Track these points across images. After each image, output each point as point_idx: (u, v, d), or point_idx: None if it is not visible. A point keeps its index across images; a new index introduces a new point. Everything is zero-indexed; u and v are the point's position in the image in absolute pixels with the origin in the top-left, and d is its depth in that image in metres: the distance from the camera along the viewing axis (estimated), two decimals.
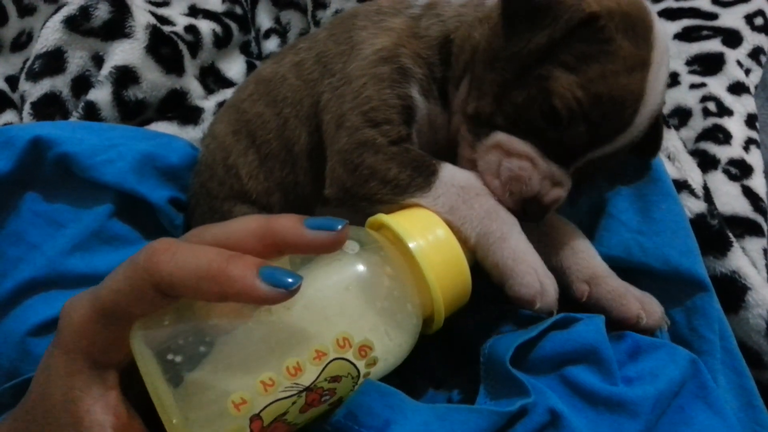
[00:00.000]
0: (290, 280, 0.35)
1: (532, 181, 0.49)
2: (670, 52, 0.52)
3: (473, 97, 0.52)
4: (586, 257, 0.56)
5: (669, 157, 0.75)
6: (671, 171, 0.70)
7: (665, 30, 0.51)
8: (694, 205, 0.67)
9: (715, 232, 0.66)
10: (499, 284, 0.48)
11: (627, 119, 0.49)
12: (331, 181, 0.53)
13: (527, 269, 0.47)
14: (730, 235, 0.67)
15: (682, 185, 0.68)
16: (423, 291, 0.43)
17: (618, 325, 0.53)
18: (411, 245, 0.43)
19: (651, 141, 0.57)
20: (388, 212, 0.48)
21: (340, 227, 0.38)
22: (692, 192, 0.68)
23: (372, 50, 0.55)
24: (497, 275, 0.47)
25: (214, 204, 0.64)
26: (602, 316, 0.52)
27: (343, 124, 0.53)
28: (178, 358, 0.35)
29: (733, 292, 0.63)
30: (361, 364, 0.39)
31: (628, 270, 0.57)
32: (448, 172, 0.50)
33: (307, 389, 0.37)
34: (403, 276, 0.43)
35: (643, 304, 0.53)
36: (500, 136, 0.50)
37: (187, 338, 0.36)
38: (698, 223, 0.65)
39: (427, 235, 0.45)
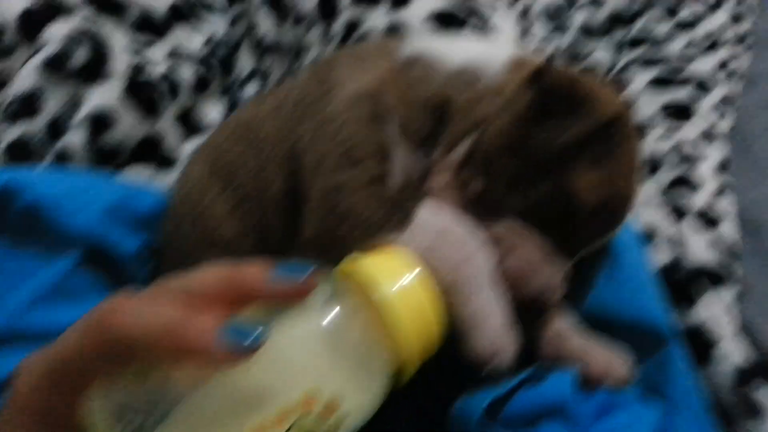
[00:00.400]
0: (251, 338, 0.34)
1: (534, 282, 0.49)
2: None
3: (478, 176, 0.52)
4: (550, 314, 0.56)
5: (637, 207, 0.76)
6: (638, 220, 0.71)
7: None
8: (661, 255, 0.68)
9: (682, 283, 0.67)
10: (458, 336, 0.47)
11: (626, 215, 0.51)
12: (308, 223, 0.53)
13: (487, 331, 0.46)
14: (697, 285, 0.68)
15: (649, 235, 0.69)
16: (393, 342, 0.41)
17: (585, 381, 0.53)
18: (380, 294, 0.42)
19: None
20: (363, 254, 0.47)
21: (307, 274, 0.37)
22: (659, 242, 0.69)
23: (352, 90, 0.55)
24: (458, 328, 0.47)
25: (183, 249, 0.63)
26: (573, 370, 0.52)
27: (321, 165, 0.53)
28: (135, 423, 0.34)
29: (700, 344, 0.65)
30: (327, 422, 0.38)
31: (597, 323, 0.58)
32: (426, 213, 0.50)
33: None
34: (372, 327, 0.41)
35: (608, 360, 0.54)
36: (512, 228, 0.50)
37: (144, 402, 0.35)
38: (665, 273, 0.67)
39: (399, 281, 0.43)
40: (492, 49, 0.59)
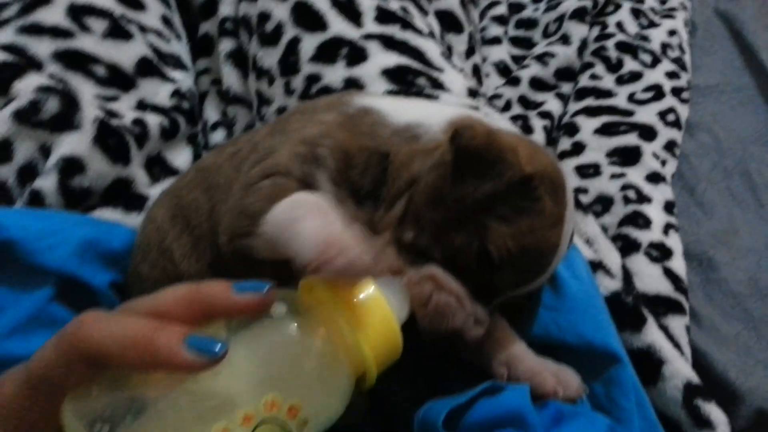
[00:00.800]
0: (216, 347, 0.36)
1: (456, 318, 0.52)
2: (573, 206, 0.58)
3: (410, 227, 0.55)
4: (504, 342, 0.60)
5: (588, 241, 0.81)
6: (588, 253, 0.75)
7: (571, 187, 0.58)
8: (610, 284, 0.72)
9: (630, 309, 0.71)
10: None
11: (545, 265, 0.55)
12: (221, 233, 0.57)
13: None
14: (645, 311, 0.71)
15: (597, 266, 0.73)
16: (353, 351, 0.44)
17: (539, 398, 0.56)
18: (336, 305, 0.44)
19: None
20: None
21: (266, 289, 0.39)
22: (608, 272, 0.73)
23: (299, 136, 0.59)
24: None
25: (144, 287, 0.65)
26: (527, 384, 0.55)
27: (242, 180, 0.57)
28: (106, 429, 0.35)
29: (649, 365, 0.68)
30: (291, 426, 0.40)
31: (548, 346, 0.61)
32: (292, 197, 0.52)
33: None
34: (334, 336, 0.43)
35: (559, 378, 0.58)
36: (435, 271, 0.53)
37: (115, 409, 0.36)
38: (613, 301, 0.70)
39: (356, 293, 0.46)
40: (436, 110, 0.64)
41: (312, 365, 0.42)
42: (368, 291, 0.46)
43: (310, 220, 0.47)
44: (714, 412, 0.66)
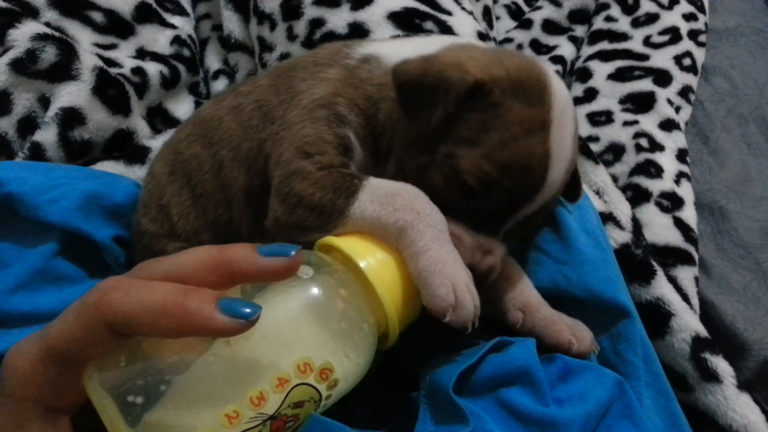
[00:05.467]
0: (248, 310, 0.35)
1: (480, 261, 0.51)
2: (572, 110, 0.54)
3: (400, 176, 0.54)
4: (520, 287, 0.59)
5: (598, 192, 0.79)
6: (598, 205, 0.74)
7: (564, 90, 0.53)
8: (619, 236, 0.70)
9: (640, 262, 0.70)
10: (420, 289, 0.47)
11: (539, 180, 0.51)
12: (270, 210, 0.54)
13: (442, 281, 0.46)
14: (654, 263, 0.70)
15: (607, 217, 0.72)
16: (377, 309, 0.44)
17: (551, 351, 0.56)
18: (362, 264, 0.45)
19: (571, 188, 0.60)
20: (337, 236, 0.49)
21: (293, 252, 0.38)
22: (617, 224, 0.72)
23: (310, 99, 0.57)
24: (416, 280, 0.47)
25: (148, 241, 0.65)
26: (533, 339, 0.55)
27: (279, 161, 0.55)
28: (138, 399, 0.35)
29: (658, 318, 0.68)
30: (322, 387, 0.40)
31: (557, 299, 0.60)
32: (369, 189, 0.51)
33: (272, 418, 0.37)
34: (357, 296, 0.44)
35: (574, 331, 0.57)
36: None
37: (145, 378, 0.35)
38: (623, 253, 0.69)
39: (376, 254, 0.47)
40: (430, 42, 0.60)
41: (339, 326, 0.42)
42: (387, 251, 0.47)
43: (435, 250, 0.47)
44: (721, 365, 0.65)
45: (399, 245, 0.48)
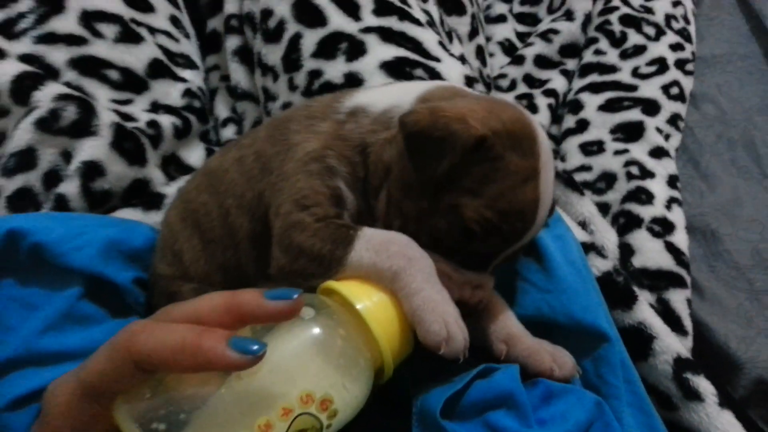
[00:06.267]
0: (256, 347, 0.41)
1: (450, 292, 0.55)
2: (552, 153, 0.58)
3: (394, 215, 0.58)
4: (503, 320, 0.63)
5: (584, 222, 0.83)
6: (582, 235, 0.78)
7: (546, 136, 0.58)
8: (602, 265, 0.74)
9: (621, 288, 0.73)
10: (414, 327, 0.52)
11: (529, 222, 0.56)
12: (272, 259, 0.59)
13: (435, 318, 0.51)
14: (635, 290, 0.74)
15: (590, 247, 0.76)
16: (373, 346, 0.49)
17: (535, 377, 0.60)
18: (358, 306, 0.50)
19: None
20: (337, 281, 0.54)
21: (296, 296, 0.44)
22: (600, 253, 0.75)
23: (303, 152, 0.61)
24: (411, 318, 0.52)
25: (164, 284, 0.70)
26: (517, 365, 0.59)
27: (279, 212, 0.59)
28: (161, 426, 0.40)
29: (640, 341, 0.71)
30: (323, 417, 0.45)
31: (542, 326, 0.64)
32: (363, 239, 0.55)
33: None
34: (354, 335, 0.49)
35: (555, 358, 0.61)
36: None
37: (168, 408, 0.41)
38: (605, 280, 0.73)
39: (372, 296, 0.52)
40: (410, 88, 0.65)
41: (338, 361, 0.47)
42: (382, 294, 0.52)
43: (427, 291, 0.52)
44: (703, 384, 0.69)
45: (393, 287, 0.53)
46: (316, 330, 0.47)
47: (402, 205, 0.57)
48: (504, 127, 0.55)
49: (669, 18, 1.33)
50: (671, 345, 0.71)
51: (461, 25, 1.18)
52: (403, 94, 0.63)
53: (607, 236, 0.84)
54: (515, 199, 0.54)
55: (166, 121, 0.91)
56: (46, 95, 0.80)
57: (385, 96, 0.64)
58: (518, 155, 0.55)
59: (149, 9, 1.00)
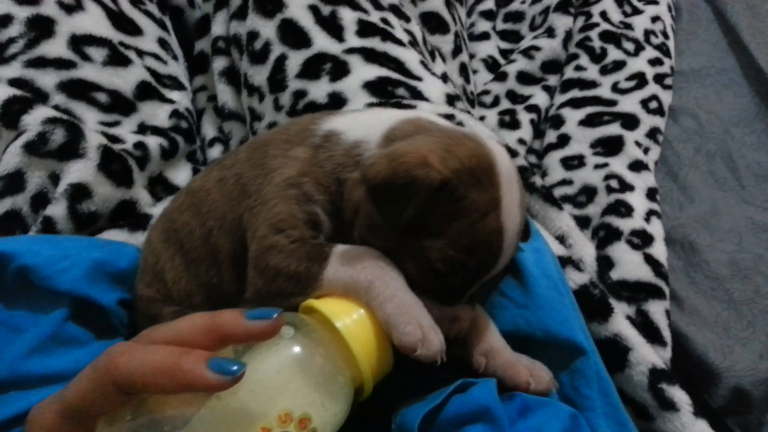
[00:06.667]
0: (235, 368, 0.42)
1: (447, 326, 0.56)
2: (515, 172, 0.59)
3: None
4: (485, 334, 0.64)
5: (562, 236, 0.85)
6: (559, 250, 0.79)
7: (506, 157, 0.59)
8: (578, 278, 0.76)
9: (598, 301, 0.75)
10: (389, 333, 0.53)
11: (497, 250, 0.56)
12: (249, 283, 0.60)
13: (409, 320, 0.52)
14: (612, 302, 0.75)
15: (567, 261, 0.77)
16: (352, 364, 0.50)
17: (512, 390, 0.61)
18: (338, 325, 0.50)
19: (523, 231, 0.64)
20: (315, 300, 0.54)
21: (275, 315, 0.45)
22: (577, 266, 0.77)
23: (281, 178, 0.62)
24: (386, 329, 0.53)
25: (143, 306, 0.71)
26: (494, 379, 0.60)
27: (255, 236, 0.61)
28: None
29: (616, 353, 0.72)
30: None
31: (519, 340, 0.66)
32: (338, 254, 0.57)
33: None
34: (334, 353, 0.50)
35: (532, 372, 0.62)
36: None
37: (149, 429, 0.42)
38: (582, 293, 0.74)
39: (351, 314, 0.53)
40: (378, 122, 0.64)
41: (317, 380, 0.48)
42: (361, 312, 0.53)
43: (400, 296, 0.53)
44: (678, 394, 0.70)
45: (368, 296, 0.54)
46: (296, 349, 0.48)
47: (371, 242, 0.58)
48: (462, 165, 0.55)
49: (648, 33, 1.36)
50: (646, 356, 0.72)
51: (445, 43, 1.20)
52: (371, 128, 0.63)
53: (585, 250, 0.85)
54: (477, 233, 0.55)
55: (153, 142, 0.92)
56: (34, 119, 0.81)
57: (357, 124, 0.65)
58: (478, 191, 0.55)
59: (138, 32, 1.02)
